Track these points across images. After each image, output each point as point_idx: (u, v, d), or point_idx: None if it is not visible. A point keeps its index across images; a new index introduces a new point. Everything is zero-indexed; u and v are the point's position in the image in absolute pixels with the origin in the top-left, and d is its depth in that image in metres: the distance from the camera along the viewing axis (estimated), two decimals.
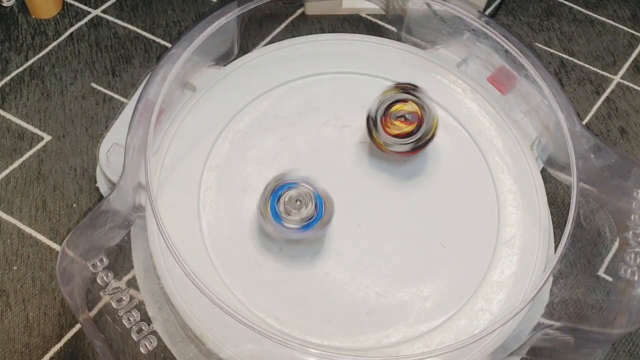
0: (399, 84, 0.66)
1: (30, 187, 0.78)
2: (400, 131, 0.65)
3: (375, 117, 0.65)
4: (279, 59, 0.74)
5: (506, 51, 0.70)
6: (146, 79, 0.65)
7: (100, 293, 0.58)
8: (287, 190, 0.61)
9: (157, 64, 0.66)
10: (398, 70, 0.75)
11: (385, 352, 0.61)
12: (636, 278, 0.63)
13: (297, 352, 0.58)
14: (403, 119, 0.65)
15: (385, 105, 0.65)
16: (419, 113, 0.65)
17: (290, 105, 0.72)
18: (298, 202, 0.61)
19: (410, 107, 0.65)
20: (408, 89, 0.65)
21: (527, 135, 0.72)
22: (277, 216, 0.61)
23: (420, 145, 0.66)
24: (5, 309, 0.70)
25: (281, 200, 0.61)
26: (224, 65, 0.74)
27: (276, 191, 0.61)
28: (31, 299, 0.71)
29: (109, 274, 0.58)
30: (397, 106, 0.65)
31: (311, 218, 0.61)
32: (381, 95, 0.66)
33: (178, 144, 0.68)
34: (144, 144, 0.63)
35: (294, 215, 0.61)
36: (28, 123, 0.83)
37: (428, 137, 0.65)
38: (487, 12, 0.96)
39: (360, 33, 0.87)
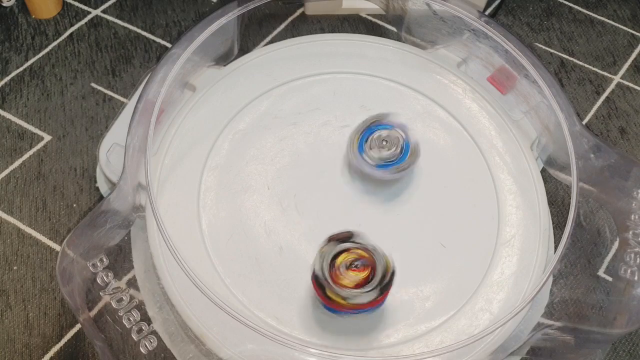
0: (332, 236, 0.60)
1: (30, 187, 0.78)
2: (359, 279, 0.58)
3: (323, 274, 0.58)
4: (279, 59, 0.74)
5: (506, 51, 0.70)
6: (146, 79, 0.65)
7: (100, 293, 0.58)
8: (381, 130, 0.65)
9: (157, 64, 0.66)
10: (398, 70, 0.75)
11: (385, 352, 0.61)
12: (636, 278, 0.63)
13: (297, 352, 0.58)
14: (354, 267, 0.59)
15: (328, 261, 0.58)
16: (367, 256, 0.59)
17: (290, 105, 0.72)
18: (384, 142, 0.65)
19: (354, 254, 0.59)
20: (343, 238, 0.60)
21: (527, 135, 0.72)
22: (361, 148, 0.66)
23: (385, 286, 0.59)
24: (5, 309, 0.70)
25: (371, 137, 0.66)
26: (224, 65, 0.74)
27: (372, 128, 0.66)
28: (31, 299, 0.71)
29: (109, 274, 0.58)
30: (341, 257, 0.59)
31: (391, 160, 0.65)
32: (319, 253, 0.59)
33: (178, 144, 0.69)
34: (144, 144, 0.63)
35: (374, 152, 0.65)
36: (28, 123, 0.83)
37: (389, 276, 0.59)
38: (487, 12, 0.96)
39: (360, 33, 0.87)
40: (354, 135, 0.66)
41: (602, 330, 0.63)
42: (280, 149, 0.70)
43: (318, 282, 0.58)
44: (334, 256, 0.58)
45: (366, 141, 0.65)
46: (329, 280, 0.57)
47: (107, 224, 0.60)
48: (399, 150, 0.65)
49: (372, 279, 0.58)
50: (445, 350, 0.59)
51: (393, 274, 0.59)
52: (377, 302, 0.59)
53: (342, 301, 0.57)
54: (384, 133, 0.65)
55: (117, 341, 0.57)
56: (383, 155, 0.65)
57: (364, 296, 0.57)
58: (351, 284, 0.58)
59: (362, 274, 0.58)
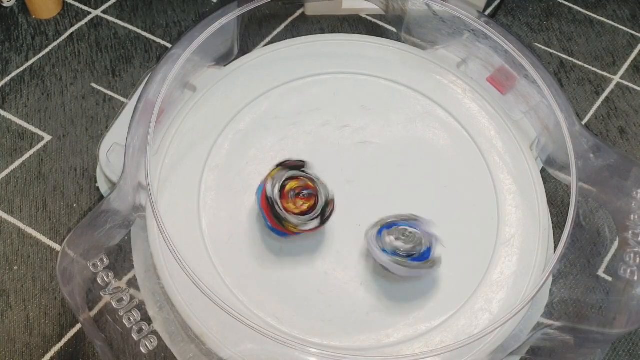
0: (284, 162, 0.64)
1: (30, 187, 0.78)
2: (305, 206, 0.62)
3: (274, 197, 0.62)
4: (279, 59, 0.74)
5: (506, 51, 0.70)
6: (146, 79, 0.65)
7: (101, 293, 0.58)
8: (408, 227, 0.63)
9: (157, 64, 0.66)
10: (398, 71, 0.75)
11: (385, 352, 0.61)
12: (636, 278, 0.63)
13: (297, 351, 0.58)
14: (302, 196, 0.63)
15: (278, 186, 0.62)
16: (313, 186, 0.63)
17: (291, 105, 0.72)
18: (406, 236, 0.62)
19: (303, 182, 0.63)
20: (294, 166, 0.64)
21: (526, 135, 0.72)
22: (380, 232, 0.63)
23: (326, 219, 0.63)
24: (5, 309, 0.70)
25: (396, 228, 0.63)
26: (224, 66, 0.75)
27: (399, 223, 0.63)
28: (32, 299, 0.71)
29: (110, 274, 0.59)
30: (291, 184, 0.63)
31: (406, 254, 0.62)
32: (269, 175, 0.63)
33: (178, 144, 0.69)
34: (144, 144, 0.63)
35: (392, 239, 0.62)
36: (28, 123, 0.83)
37: (331, 209, 0.63)
38: (486, 13, 0.96)
39: (360, 33, 0.87)
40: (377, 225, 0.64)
41: (602, 330, 0.63)
42: (280, 149, 0.70)
43: (268, 202, 0.62)
44: (283, 182, 0.62)
45: (388, 228, 0.63)
46: (279, 203, 0.61)
47: (107, 224, 0.60)
48: (416, 249, 0.61)
49: (315, 209, 0.62)
50: (445, 350, 0.59)
51: (333, 206, 0.63)
52: (316, 229, 0.63)
53: (287, 225, 0.62)
54: (410, 229, 0.62)
55: (117, 341, 0.57)
56: (398, 245, 0.61)
57: (307, 224, 0.62)
58: (296, 210, 0.62)
59: (309, 203, 0.62)
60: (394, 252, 0.61)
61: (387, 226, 0.62)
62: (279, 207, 0.61)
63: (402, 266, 0.61)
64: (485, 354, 0.62)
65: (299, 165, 0.63)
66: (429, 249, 0.62)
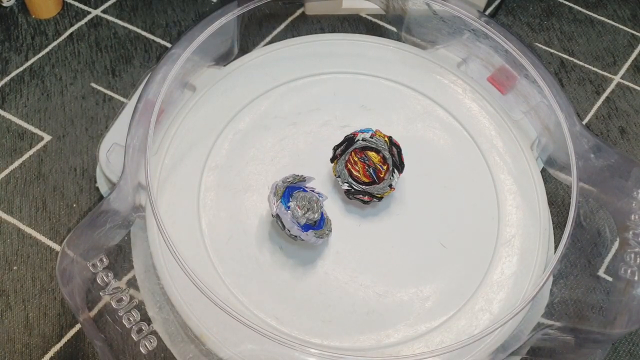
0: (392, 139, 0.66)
1: (30, 187, 0.78)
2: (359, 175, 0.65)
3: (346, 148, 0.65)
4: (279, 59, 0.74)
5: (506, 51, 0.70)
6: (146, 78, 0.65)
7: (100, 293, 0.58)
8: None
9: (157, 63, 0.66)
10: (398, 70, 0.75)
11: (385, 352, 0.61)
12: (636, 278, 0.63)
13: (297, 352, 0.58)
14: (366, 167, 0.65)
15: (362, 144, 0.65)
16: (382, 170, 0.65)
17: (290, 105, 0.72)
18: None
19: (379, 159, 0.65)
20: (392, 148, 0.66)
21: (527, 135, 0.72)
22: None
23: (366, 201, 0.66)
24: (5, 309, 0.70)
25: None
26: (224, 65, 0.74)
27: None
28: (31, 299, 0.71)
29: (109, 274, 0.58)
30: (372, 153, 0.65)
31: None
32: (370, 134, 0.65)
33: (178, 144, 0.69)
34: (144, 144, 0.63)
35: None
36: (28, 123, 0.83)
37: (378, 196, 0.66)
38: (487, 12, 0.96)
39: (360, 33, 0.87)
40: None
41: (602, 330, 0.63)
42: (280, 149, 0.70)
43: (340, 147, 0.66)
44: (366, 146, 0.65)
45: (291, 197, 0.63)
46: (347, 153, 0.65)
47: (107, 224, 0.60)
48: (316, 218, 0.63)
49: (370, 184, 0.65)
50: (445, 350, 0.59)
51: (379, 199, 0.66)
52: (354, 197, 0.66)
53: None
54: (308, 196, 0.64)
55: (117, 341, 0.57)
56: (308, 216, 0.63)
57: (353, 186, 0.65)
58: (353, 172, 0.65)
59: (364, 178, 0.65)
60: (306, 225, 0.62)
61: (286, 194, 0.63)
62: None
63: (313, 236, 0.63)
64: (485, 354, 0.61)
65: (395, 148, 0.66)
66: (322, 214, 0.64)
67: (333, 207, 0.67)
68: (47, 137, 0.82)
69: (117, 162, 0.66)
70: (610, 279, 0.74)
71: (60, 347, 0.68)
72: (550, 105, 0.67)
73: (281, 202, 0.61)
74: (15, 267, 0.72)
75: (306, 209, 0.61)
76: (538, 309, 0.67)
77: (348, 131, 0.68)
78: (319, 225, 0.62)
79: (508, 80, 0.73)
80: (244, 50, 0.76)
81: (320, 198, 0.63)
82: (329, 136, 0.71)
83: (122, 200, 0.61)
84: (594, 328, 0.67)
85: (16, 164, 0.80)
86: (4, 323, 0.69)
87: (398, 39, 0.80)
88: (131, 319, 0.57)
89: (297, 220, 0.61)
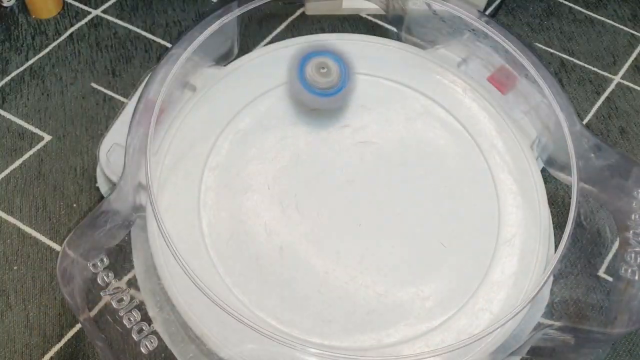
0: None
1: (30, 187, 0.78)
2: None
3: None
4: (279, 59, 0.74)
5: (506, 51, 0.70)
6: (146, 78, 0.65)
7: (101, 293, 0.58)
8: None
9: (157, 63, 0.66)
10: (398, 70, 0.75)
11: (385, 352, 0.61)
12: (637, 278, 0.63)
13: (298, 351, 0.58)
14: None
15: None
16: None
17: (290, 105, 0.72)
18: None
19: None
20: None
21: (527, 135, 0.72)
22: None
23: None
24: (5, 309, 0.70)
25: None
26: (224, 65, 0.74)
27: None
28: (31, 299, 0.71)
29: (110, 274, 0.58)
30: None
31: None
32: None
33: (178, 144, 0.68)
34: (144, 144, 0.63)
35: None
36: (28, 123, 0.83)
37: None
38: (487, 12, 0.96)
39: (360, 33, 0.87)
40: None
41: (603, 330, 0.63)
42: (280, 149, 0.70)
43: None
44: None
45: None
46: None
47: (107, 224, 0.60)
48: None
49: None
50: (445, 350, 0.59)
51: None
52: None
53: None
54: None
55: (117, 341, 0.57)
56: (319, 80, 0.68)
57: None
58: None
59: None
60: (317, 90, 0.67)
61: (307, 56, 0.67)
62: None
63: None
64: (485, 354, 0.62)
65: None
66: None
67: (334, 207, 0.67)
68: (47, 137, 0.82)
69: (118, 162, 0.66)
70: (610, 278, 0.74)
71: (61, 347, 0.68)
72: (550, 105, 0.67)
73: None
74: (15, 267, 0.72)
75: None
76: (538, 309, 0.68)
77: (348, 131, 0.69)
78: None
79: (508, 80, 0.73)
80: (244, 50, 0.76)
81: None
82: (328, 136, 0.71)
83: (122, 200, 0.61)
84: (594, 328, 0.67)
85: (16, 163, 0.80)
86: (4, 323, 0.69)
87: (398, 38, 0.80)
88: (132, 319, 0.57)
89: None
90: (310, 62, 0.68)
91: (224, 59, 0.75)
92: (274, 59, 0.74)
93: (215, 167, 0.68)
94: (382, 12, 0.92)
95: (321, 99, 0.68)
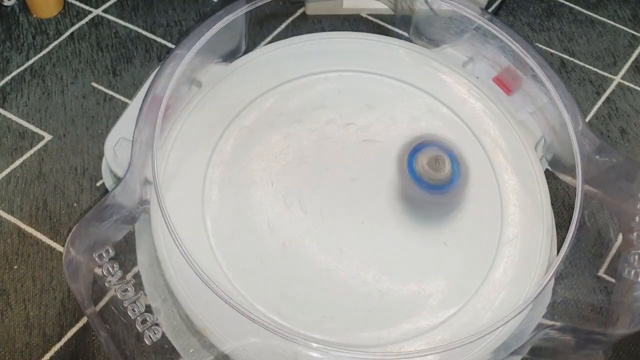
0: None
1: (30, 186, 0.78)
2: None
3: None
4: (285, 56, 0.74)
5: (513, 51, 0.70)
6: (153, 74, 0.66)
7: (106, 284, 0.58)
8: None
9: (165, 60, 0.66)
10: (404, 69, 0.75)
11: (387, 349, 0.61)
12: (639, 279, 0.63)
13: (300, 346, 0.58)
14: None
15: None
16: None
17: (295, 102, 0.72)
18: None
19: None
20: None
21: (531, 136, 0.73)
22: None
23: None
24: (5, 309, 0.70)
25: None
26: (230, 62, 0.75)
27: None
28: (32, 299, 0.70)
29: (115, 266, 0.58)
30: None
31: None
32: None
33: (183, 139, 0.68)
34: (151, 138, 0.63)
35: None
36: (29, 122, 0.83)
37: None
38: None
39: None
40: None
41: (604, 331, 0.63)
42: (285, 146, 0.70)
43: None
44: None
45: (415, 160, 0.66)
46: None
47: (112, 217, 0.60)
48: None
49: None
50: (446, 348, 0.60)
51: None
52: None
53: None
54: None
55: (121, 332, 0.57)
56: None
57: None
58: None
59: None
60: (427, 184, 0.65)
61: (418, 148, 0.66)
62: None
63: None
64: (487, 353, 0.62)
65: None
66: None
67: (337, 204, 0.67)
68: (47, 137, 0.82)
69: (124, 156, 0.66)
70: (613, 280, 0.74)
71: (61, 347, 0.68)
72: (555, 105, 0.67)
73: None
74: (15, 267, 0.72)
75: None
76: (540, 309, 0.67)
77: (352, 129, 0.69)
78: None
79: (514, 81, 0.73)
80: (247, 48, 0.76)
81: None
82: (333, 134, 0.71)
83: (127, 194, 0.61)
84: (596, 329, 0.67)
85: (17, 163, 0.80)
86: (4, 322, 0.69)
87: (402, 37, 0.80)
88: (136, 310, 0.57)
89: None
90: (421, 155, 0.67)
91: (231, 55, 0.75)
92: (279, 56, 0.75)
93: (219, 163, 0.68)
94: (383, 12, 0.92)
95: (432, 195, 0.68)
